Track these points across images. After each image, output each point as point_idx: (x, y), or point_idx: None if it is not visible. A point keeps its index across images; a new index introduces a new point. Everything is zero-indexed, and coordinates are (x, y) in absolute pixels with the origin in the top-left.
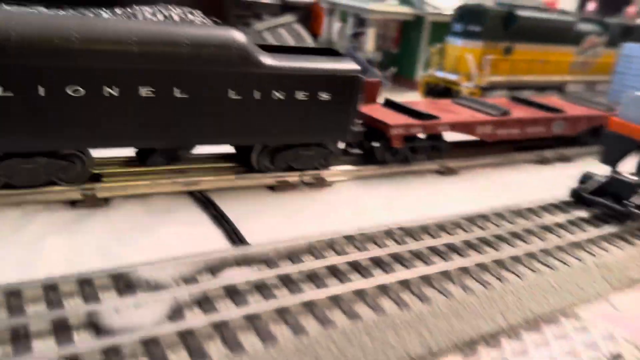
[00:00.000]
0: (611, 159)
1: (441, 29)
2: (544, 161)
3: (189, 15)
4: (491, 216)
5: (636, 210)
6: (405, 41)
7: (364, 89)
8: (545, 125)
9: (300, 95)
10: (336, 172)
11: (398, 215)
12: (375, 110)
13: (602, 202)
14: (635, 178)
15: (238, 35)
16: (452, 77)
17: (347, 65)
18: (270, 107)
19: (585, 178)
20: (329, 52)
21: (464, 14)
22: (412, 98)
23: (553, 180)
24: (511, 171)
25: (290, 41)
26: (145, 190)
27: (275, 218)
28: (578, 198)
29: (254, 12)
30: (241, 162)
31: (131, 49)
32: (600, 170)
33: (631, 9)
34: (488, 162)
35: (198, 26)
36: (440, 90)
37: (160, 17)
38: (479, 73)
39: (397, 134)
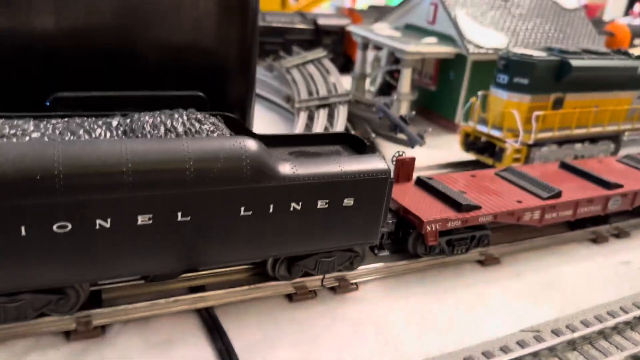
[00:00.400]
0: None
1: (483, 68)
2: (598, 239)
3: (196, 125)
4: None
5: None
6: (444, 79)
7: (396, 169)
8: (601, 203)
9: (322, 203)
10: (362, 271)
11: (429, 340)
12: (407, 195)
13: None
14: None
15: (251, 145)
16: (496, 133)
17: (374, 165)
18: (288, 220)
19: None
20: (351, 138)
21: (510, 64)
22: (451, 143)
23: (614, 268)
24: (562, 256)
25: (319, 79)
26: (145, 313)
27: (287, 351)
28: None
29: (286, 39)
30: (255, 268)
31: (125, 176)
32: None
33: None
34: (534, 245)
35: (204, 140)
36: (482, 147)
37: (162, 129)
38: (526, 130)
39: (432, 230)
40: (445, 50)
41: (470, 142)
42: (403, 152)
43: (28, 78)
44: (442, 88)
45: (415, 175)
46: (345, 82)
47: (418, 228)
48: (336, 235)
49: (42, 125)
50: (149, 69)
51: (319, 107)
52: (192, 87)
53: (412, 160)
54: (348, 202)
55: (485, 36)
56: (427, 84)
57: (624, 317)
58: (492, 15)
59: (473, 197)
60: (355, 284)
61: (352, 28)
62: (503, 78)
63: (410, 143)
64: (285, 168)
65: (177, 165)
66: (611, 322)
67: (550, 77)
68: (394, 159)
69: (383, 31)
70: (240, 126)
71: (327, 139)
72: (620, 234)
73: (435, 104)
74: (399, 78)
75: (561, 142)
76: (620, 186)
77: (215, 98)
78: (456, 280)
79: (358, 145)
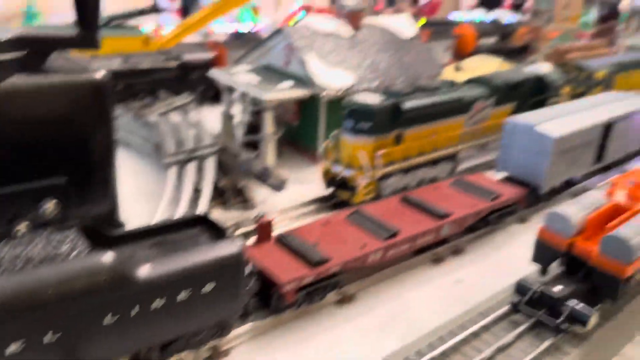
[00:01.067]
0: (541, 262)
1: (336, 105)
2: (438, 260)
3: (55, 248)
4: None
5: (566, 324)
6: (304, 115)
7: (258, 231)
8: (435, 232)
9: (183, 295)
10: (233, 336)
11: None
12: (268, 255)
13: (537, 316)
14: (558, 289)
15: (107, 260)
16: (347, 172)
17: (230, 249)
18: (152, 316)
19: (521, 287)
20: (208, 222)
21: (353, 112)
22: (315, 175)
23: (449, 288)
24: (408, 282)
25: (186, 128)
26: None
27: None
28: (516, 309)
29: (152, 80)
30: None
31: None
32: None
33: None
34: (384, 276)
35: (62, 266)
36: (339, 183)
37: (21, 263)
38: (373, 167)
39: (290, 289)
40: (299, 93)
41: (330, 179)
42: (263, 214)
43: None
44: (303, 123)
45: (279, 223)
46: (215, 114)
47: (277, 288)
48: (201, 317)
49: None
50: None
51: (188, 160)
52: (54, 174)
53: (270, 222)
54: (208, 287)
55: (334, 77)
56: (291, 119)
57: (461, 335)
58: (338, 54)
59: (325, 248)
60: (226, 350)
61: (214, 74)
62: (349, 124)
63: (275, 188)
64: (145, 270)
65: (38, 298)
66: (452, 342)
67: (387, 118)
68: (256, 221)
69: (243, 76)
70: (100, 236)
71: (186, 224)
72: (456, 251)
73: (300, 137)
74: (262, 121)
75: (406, 170)
76: (450, 215)
77: (78, 181)
78: (317, 326)
79: (215, 228)
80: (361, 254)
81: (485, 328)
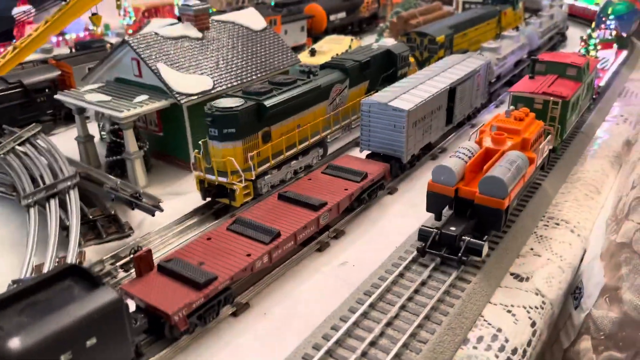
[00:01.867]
0: (434, 210)
1: (199, 110)
2: (322, 247)
3: None
4: None
5: (464, 258)
6: (167, 124)
7: (136, 265)
8: (314, 224)
9: (66, 356)
10: None
11: None
12: (152, 288)
13: (441, 255)
14: (454, 229)
15: None
16: (223, 179)
17: (106, 297)
18: None
19: (423, 233)
20: (80, 270)
21: (216, 119)
22: (191, 184)
23: (335, 273)
24: (297, 277)
25: (40, 161)
26: None
27: None
28: (423, 253)
29: None
30: None
31: None
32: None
33: None
34: (275, 276)
35: None
36: (217, 192)
37: None
38: (246, 169)
39: (180, 318)
40: (159, 104)
41: (206, 189)
42: (139, 247)
43: None
44: (168, 133)
45: (158, 253)
46: (70, 138)
47: (167, 320)
48: None
49: None
50: None
51: (48, 198)
52: None
53: (149, 252)
54: (90, 342)
55: (191, 82)
56: (155, 130)
57: (353, 318)
58: (191, 58)
59: (211, 265)
60: None
61: (61, 97)
62: (214, 131)
63: (149, 212)
64: (16, 343)
65: None
66: (345, 327)
67: (252, 119)
68: (132, 256)
69: (94, 95)
70: None
71: (56, 277)
72: (337, 235)
73: (168, 147)
74: (124, 139)
75: (280, 165)
76: (326, 204)
77: None
78: (217, 342)
79: (88, 276)
80: (247, 263)
81: (400, 276)
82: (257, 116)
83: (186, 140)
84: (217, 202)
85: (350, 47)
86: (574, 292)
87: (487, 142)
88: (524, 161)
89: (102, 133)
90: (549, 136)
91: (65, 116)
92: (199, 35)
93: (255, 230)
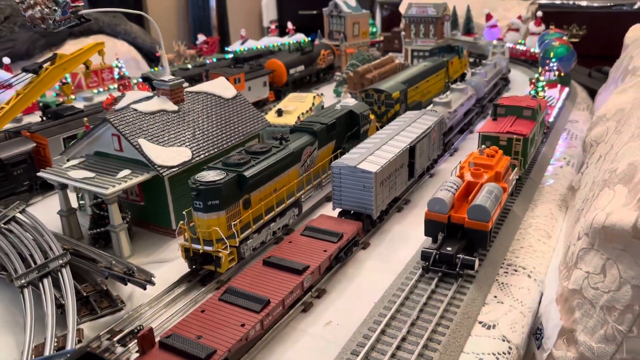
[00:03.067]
0: (432, 234)
1: (180, 179)
2: (306, 307)
3: None
4: None
5: (462, 271)
6: (148, 195)
7: (140, 344)
8: (300, 288)
9: None
10: None
11: None
12: None
13: (442, 270)
14: (449, 249)
15: None
16: (209, 248)
17: None
18: None
19: (425, 254)
20: (93, 358)
21: (200, 192)
22: (172, 251)
23: (321, 334)
24: (286, 341)
25: (28, 240)
26: None
27: None
28: (427, 270)
29: None
30: None
31: None
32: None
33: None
34: (265, 343)
35: None
36: (203, 259)
37: None
38: (229, 236)
39: None
40: (142, 178)
41: (192, 257)
42: (141, 327)
43: None
44: (150, 202)
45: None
46: (53, 203)
47: None
48: None
49: None
50: None
51: (41, 277)
52: None
53: (151, 330)
54: None
55: (170, 155)
56: (136, 200)
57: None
58: (169, 130)
59: (208, 339)
60: None
61: (45, 175)
62: (199, 204)
63: (140, 286)
64: None
65: None
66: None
67: (234, 190)
68: (136, 335)
69: (77, 172)
70: None
71: None
72: (320, 294)
73: (149, 215)
74: (109, 213)
75: (259, 228)
76: (308, 267)
77: None
78: None
79: None
80: (242, 333)
81: (382, 332)
82: (238, 186)
83: (168, 209)
84: (202, 269)
85: (313, 104)
86: (535, 332)
87: (468, 176)
88: (499, 190)
89: (81, 202)
90: (516, 168)
91: (41, 185)
92: (175, 108)
93: (246, 299)
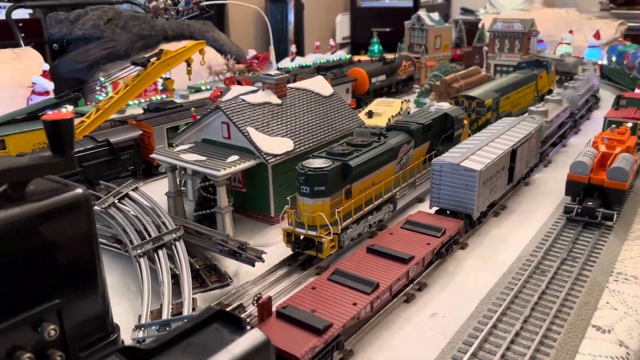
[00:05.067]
0: (572, 193)
1: (282, 168)
2: (409, 299)
3: None
4: None
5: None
6: (251, 182)
7: (259, 310)
8: (405, 277)
9: None
10: None
11: None
12: (275, 333)
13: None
14: (590, 203)
15: None
16: (312, 232)
17: (256, 338)
18: None
19: (568, 208)
20: (225, 315)
21: (308, 178)
22: (273, 235)
23: (427, 324)
24: (391, 327)
25: (143, 216)
26: None
27: None
28: (571, 219)
29: (87, 167)
30: None
31: None
32: None
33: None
34: (372, 326)
35: None
36: (305, 244)
37: None
38: (332, 223)
39: None
40: (249, 164)
41: (294, 241)
42: (260, 295)
43: None
44: (251, 188)
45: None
46: (154, 188)
47: None
48: None
49: None
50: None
51: (156, 249)
52: (48, 298)
53: (269, 299)
54: None
55: (275, 144)
56: (238, 187)
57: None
58: (273, 122)
59: (322, 313)
60: None
61: (157, 156)
62: (305, 189)
63: (249, 263)
64: None
65: None
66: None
67: (339, 178)
68: (254, 303)
69: (189, 155)
70: (137, 353)
71: (204, 322)
72: (421, 287)
73: (249, 202)
74: (217, 195)
75: (358, 219)
76: (413, 257)
77: (72, 299)
78: None
79: (232, 320)
80: (355, 312)
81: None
82: (342, 175)
83: (268, 196)
84: (302, 253)
85: (401, 108)
86: None
87: (602, 148)
88: (632, 159)
89: (182, 189)
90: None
91: (143, 171)
92: (279, 101)
93: (355, 281)
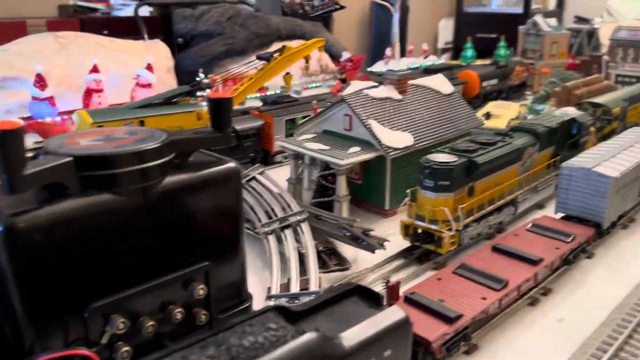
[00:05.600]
0: None
1: (399, 162)
2: (533, 302)
3: (276, 333)
4: None
5: None
6: (368, 174)
7: (388, 293)
8: (533, 279)
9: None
10: None
11: None
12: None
13: None
14: None
15: (314, 336)
16: (434, 226)
17: (397, 315)
18: None
19: None
20: (362, 290)
21: (433, 171)
22: (388, 228)
23: (553, 328)
24: (516, 326)
25: (269, 198)
26: None
27: None
28: None
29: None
30: None
31: None
32: None
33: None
34: (496, 323)
35: (284, 348)
36: (424, 237)
37: (255, 348)
38: (454, 219)
39: (438, 345)
40: (370, 156)
41: (413, 234)
42: (388, 280)
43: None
44: (367, 181)
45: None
46: (271, 175)
47: (425, 346)
48: None
49: None
50: (171, 250)
51: (282, 228)
52: (199, 260)
53: (398, 283)
54: (387, 353)
55: (396, 138)
56: (354, 178)
57: None
58: (394, 117)
59: (451, 304)
60: None
61: (283, 143)
62: (429, 182)
63: (370, 249)
64: (341, 343)
65: None
66: None
67: (464, 174)
68: (385, 285)
69: (311, 144)
70: (287, 314)
71: (342, 295)
72: (546, 292)
73: (364, 194)
74: (336, 184)
75: (478, 219)
76: (542, 260)
77: (219, 263)
78: None
79: (371, 295)
80: (485, 306)
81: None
82: (467, 171)
83: (384, 189)
84: (417, 247)
85: (520, 112)
86: None
87: None
88: None
89: (310, 179)
90: None
91: (261, 160)
92: (400, 97)
93: (482, 277)
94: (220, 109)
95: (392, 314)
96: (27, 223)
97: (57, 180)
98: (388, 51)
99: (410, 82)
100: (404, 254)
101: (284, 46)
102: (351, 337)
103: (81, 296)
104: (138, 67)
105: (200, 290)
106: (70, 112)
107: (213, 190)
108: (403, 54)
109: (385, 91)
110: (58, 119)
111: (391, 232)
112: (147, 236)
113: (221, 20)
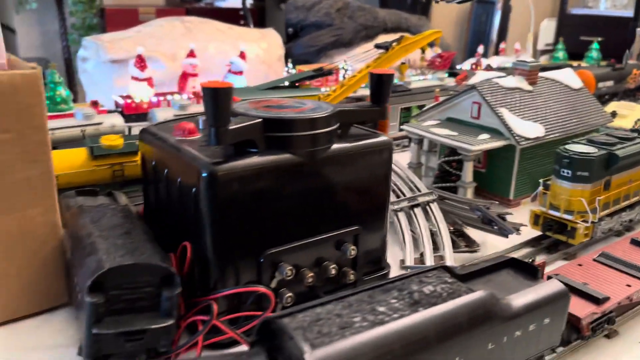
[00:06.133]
0: None
1: (528, 153)
2: None
3: (447, 287)
4: None
5: None
6: (492, 163)
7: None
8: None
9: (531, 327)
10: None
11: None
12: None
13: None
14: None
15: (478, 296)
16: (568, 217)
17: (555, 286)
18: (511, 345)
19: None
20: (516, 263)
21: (572, 161)
22: (511, 217)
23: None
24: None
25: (395, 178)
26: None
27: None
28: None
29: None
30: None
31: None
32: None
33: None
34: (635, 313)
35: (459, 299)
36: (557, 228)
37: (433, 297)
38: (592, 212)
39: (586, 323)
40: (500, 144)
41: (545, 224)
42: (533, 259)
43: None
44: (491, 170)
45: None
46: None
47: (574, 323)
48: (536, 347)
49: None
50: (331, 211)
51: (412, 207)
52: (352, 224)
53: (544, 262)
54: (546, 321)
55: (527, 128)
56: (478, 167)
57: None
58: (524, 108)
59: (595, 287)
60: None
61: (409, 128)
62: (567, 172)
63: (504, 234)
64: (508, 304)
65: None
66: None
67: (602, 166)
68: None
69: (438, 130)
70: (453, 274)
71: (498, 266)
72: None
73: (487, 183)
74: (463, 170)
75: (611, 214)
76: None
77: (368, 228)
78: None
79: (527, 268)
80: (630, 292)
81: None
82: (606, 164)
83: (510, 179)
84: (546, 237)
85: None
86: None
87: None
88: None
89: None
90: None
91: None
92: (530, 88)
93: (626, 266)
94: (382, 84)
95: (552, 285)
96: (226, 171)
97: (250, 137)
98: (480, 49)
99: (541, 74)
100: (532, 242)
101: (402, 36)
102: (517, 300)
103: (258, 242)
104: (251, 54)
105: (352, 250)
106: (167, 94)
107: (370, 160)
108: (496, 52)
109: (516, 81)
110: (154, 99)
111: (515, 222)
112: (312, 196)
113: (331, 12)
